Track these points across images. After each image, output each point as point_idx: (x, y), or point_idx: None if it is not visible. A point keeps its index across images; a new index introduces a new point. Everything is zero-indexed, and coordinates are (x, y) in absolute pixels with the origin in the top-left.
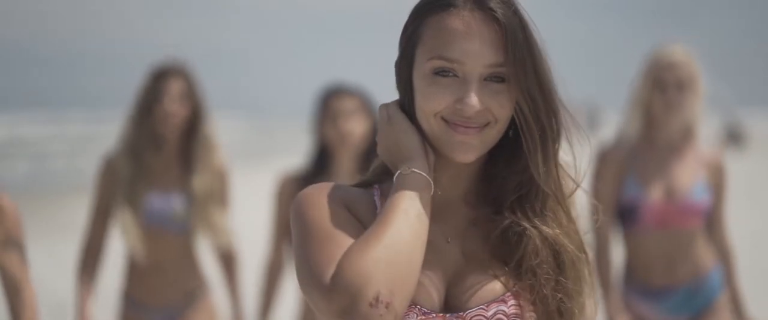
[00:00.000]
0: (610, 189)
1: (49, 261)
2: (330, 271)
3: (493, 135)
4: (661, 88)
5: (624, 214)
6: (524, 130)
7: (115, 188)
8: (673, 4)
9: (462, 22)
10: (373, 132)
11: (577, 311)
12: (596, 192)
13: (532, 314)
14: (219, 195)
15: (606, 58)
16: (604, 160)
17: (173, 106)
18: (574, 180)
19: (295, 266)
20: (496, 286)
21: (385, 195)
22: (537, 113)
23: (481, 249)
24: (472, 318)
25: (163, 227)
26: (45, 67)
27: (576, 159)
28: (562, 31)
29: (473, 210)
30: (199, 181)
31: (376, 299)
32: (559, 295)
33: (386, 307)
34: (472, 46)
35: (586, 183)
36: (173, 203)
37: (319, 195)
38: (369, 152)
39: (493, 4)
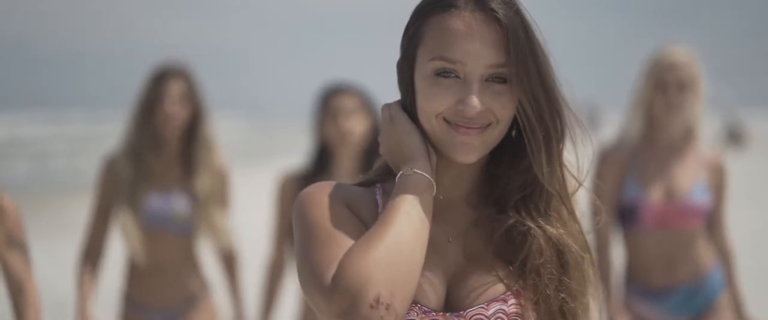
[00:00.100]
0: (610, 190)
1: (50, 261)
2: (331, 272)
3: (494, 135)
4: (663, 89)
5: (624, 215)
6: (527, 131)
7: (116, 189)
8: (674, 3)
9: (463, 22)
10: (374, 131)
11: (580, 311)
12: (597, 193)
13: (533, 314)
14: (220, 195)
15: (606, 58)
16: (605, 160)
17: (174, 108)
18: (577, 180)
19: (296, 266)
20: (496, 285)
21: (388, 195)
22: (540, 113)
23: (483, 248)
24: (472, 317)
25: (164, 227)
26: (45, 67)
27: (579, 158)
28: (563, 31)
29: (475, 211)
30: (201, 182)
31: (377, 300)
32: (562, 295)
33: (387, 308)
34: (473, 46)
35: (587, 183)
36: (174, 203)
37: (321, 194)
38: (369, 151)
39: (494, 5)
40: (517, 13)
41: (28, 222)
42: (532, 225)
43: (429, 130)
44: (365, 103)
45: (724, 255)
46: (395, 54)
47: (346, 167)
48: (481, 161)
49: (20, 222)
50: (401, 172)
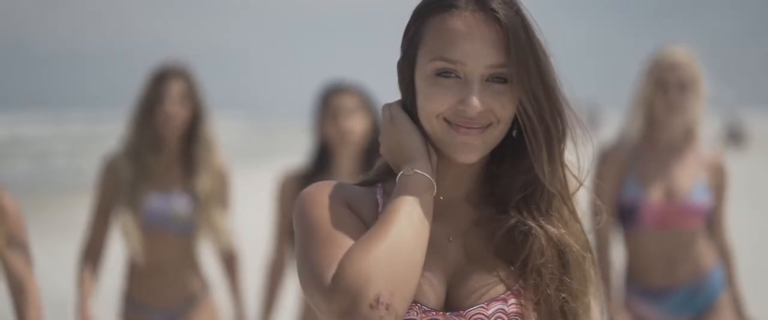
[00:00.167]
0: (610, 190)
1: (50, 261)
2: (331, 272)
3: (495, 135)
4: (663, 89)
5: (624, 214)
6: (528, 131)
7: (116, 189)
8: (674, 3)
9: (463, 22)
10: (374, 130)
11: (581, 311)
12: (597, 193)
13: (534, 313)
14: (220, 196)
15: (606, 58)
16: (605, 160)
17: (174, 108)
18: (577, 179)
19: (296, 265)
20: (497, 285)
21: (388, 194)
22: (541, 113)
23: (484, 248)
24: (472, 316)
25: (164, 227)
26: (45, 67)
27: (579, 158)
28: (563, 31)
29: (476, 210)
30: (201, 182)
31: (377, 300)
32: (563, 295)
33: (386, 308)
34: (474, 46)
35: (588, 182)
36: (174, 203)
37: (321, 193)
38: (369, 150)
39: (494, 5)
40: (518, 13)
41: (29, 221)
42: (533, 225)
43: (429, 130)
44: (365, 102)
45: (724, 256)
46: (395, 54)
47: (346, 166)
48: (482, 161)
49: (21, 221)
50: (402, 172)
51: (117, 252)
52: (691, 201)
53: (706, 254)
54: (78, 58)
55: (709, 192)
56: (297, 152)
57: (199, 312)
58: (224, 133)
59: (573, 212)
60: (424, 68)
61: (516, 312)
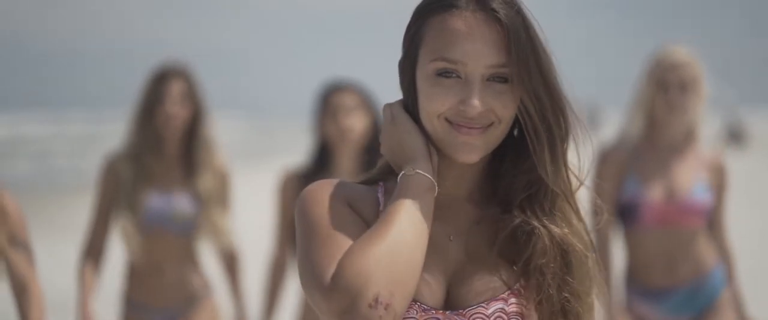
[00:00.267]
0: (610, 189)
1: (51, 261)
2: (330, 271)
3: (496, 135)
4: (664, 89)
5: (624, 213)
6: (529, 130)
7: (117, 189)
8: (674, 3)
9: (464, 22)
10: (374, 128)
11: (583, 311)
12: (598, 192)
13: (536, 313)
14: (221, 196)
15: (607, 58)
16: (605, 160)
17: (174, 108)
18: (578, 179)
19: (297, 264)
20: (497, 285)
21: (389, 193)
22: (543, 113)
23: (485, 248)
24: (472, 315)
25: (164, 227)
26: (46, 66)
27: (580, 158)
28: (563, 31)
29: (478, 210)
30: (202, 182)
31: (376, 300)
32: (565, 295)
33: (385, 308)
34: (474, 46)
35: (589, 182)
36: (174, 203)
37: (322, 192)
38: (369, 148)
39: (495, 5)
40: (518, 13)
41: (30, 221)
42: (536, 224)
43: (431, 130)
44: (365, 100)
45: (724, 256)
46: (396, 54)
47: (346, 165)
48: (484, 160)
49: (23, 221)
50: (403, 172)
51: (117, 253)
52: (691, 201)
53: (706, 253)
54: (78, 58)
55: (709, 191)
56: (297, 152)
57: (199, 312)
58: (224, 132)
59: (576, 211)
60: (425, 68)
61: (516, 312)
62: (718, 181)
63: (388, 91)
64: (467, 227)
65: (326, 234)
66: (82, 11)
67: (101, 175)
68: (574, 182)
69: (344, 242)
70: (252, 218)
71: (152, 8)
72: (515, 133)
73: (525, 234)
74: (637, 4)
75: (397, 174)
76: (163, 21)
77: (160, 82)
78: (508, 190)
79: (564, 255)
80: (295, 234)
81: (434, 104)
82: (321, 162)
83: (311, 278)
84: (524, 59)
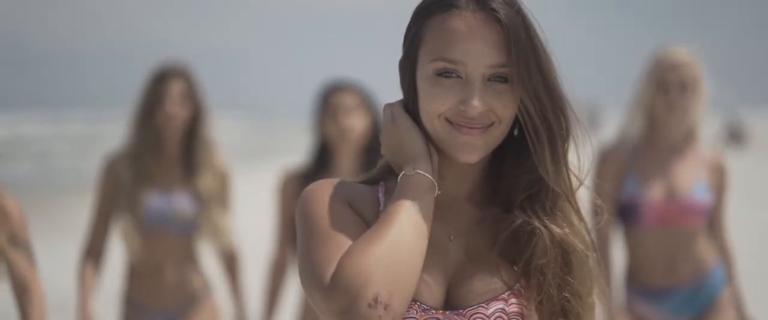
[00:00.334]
0: (610, 189)
1: (52, 261)
2: (330, 271)
3: (497, 135)
4: (664, 89)
5: (624, 213)
6: (530, 130)
7: (117, 189)
8: (674, 3)
9: (464, 23)
10: (374, 128)
11: (584, 311)
12: (597, 193)
13: (536, 314)
14: (221, 196)
15: (607, 58)
16: (605, 160)
17: (174, 108)
18: (578, 179)
19: (297, 264)
20: (497, 285)
21: (390, 193)
22: (543, 113)
23: (486, 247)
24: (472, 316)
25: (164, 227)
26: (46, 66)
27: (579, 158)
28: (563, 31)
29: (478, 210)
30: (203, 182)
31: (375, 300)
32: (566, 295)
33: (385, 308)
34: (474, 46)
35: (589, 182)
36: (175, 203)
37: (322, 192)
38: (369, 148)
39: (495, 5)
40: (518, 13)
41: (30, 222)
42: (538, 225)
43: (431, 130)
44: (365, 100)
45: (724, 257)
46: (396, 54)
47: (346, 165)
48: (484, 160)
49: (24, 222)
50: (403, 173)
51: (117, 253)
52: (691, 200)
53: (706, 253)
54: (78, 58)
55: (709, 191)
56: (297, 152)
57: (199, 313)
58: (224, 133)
59: (577, 211)
60: (425, 68)
61: (516, 312)
62: (718, 181)
63: (389, 91)
64: (467, 227)
65: (326, 234)
66: (82, 11)
67: (101, 176)
68: (575, 182)
69: (344, 242)
70: (252, 218)
71: (152, 8)
72: (515, 132)
73: (526, 235)
74: (637, 4)
75: (398, 175)
76: (163, 21)
77: (160, 82)
78: (509, 190)
79: (564, 255)
80: (296, 233)
81: (434, 104)
82: (321, 163)
83: (311, 278)
84: (524, 59)
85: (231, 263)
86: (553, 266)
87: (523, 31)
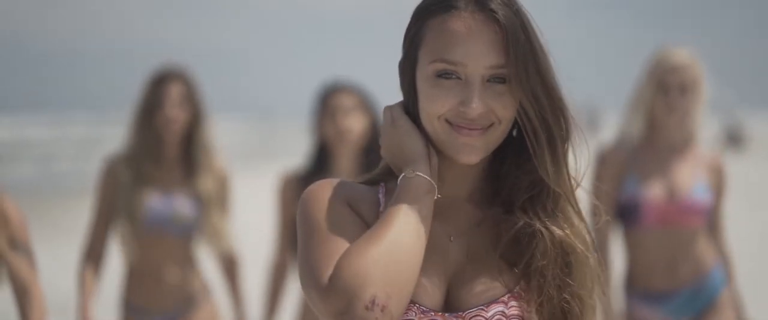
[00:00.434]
0: (609, 190)
1: (54, 264)
2: (328, 272)
3: (497, 136)
4: (664, 91)
5: (624, 214)
6: (528, 131)
7: (116, 191)
8: (674, 6)
9: (463, 24)
10: (372, 129)
11: (585, 313)
12: (596, 194)
13: (537, 316)
14: (220, 198)
15: (606, 58)
16: (604, 161)
17: (174, 111)
18: (576, 181)
19: (297, 264)
20: (497, 287)
21: (390, 194)
22: (542, 114)
23: (487, 249)
24: (471, 318)
25: (164, 229)
26: (47, 67)
27: (577, 159)
28: (563, 31)
29: (479, 210)
30: (203, 184)
31: (372, 301)
32: (567, 296)
33: (382, 310)
34: (474, 48)
35: (587, 184)
36: (175, 205)
37: (322, 192)
38: (368, 149)
39: (494, 5)
40: (517, 14)
41: (32, 224)
42: (539, 226)
43: (431, 131)
44: (364, 101)
45: (723, 260)
46: (395, 55)
47: (345, 166)
48: (484, 161)
49: (24, 225)
50: (403, 174)
51: (117, 256)
52: (692, 200)
53: (706, 254)
54: (79, 58)
55: (709, 191)
56: (297, 154)
57: (199, 314)
58: (224, 134)
59: (578, 212)
60: (424, 70)
61: (516, 315)
62: (717, 182)
63: (388, 92)
64: (468, 228)
65: (325, 235)
66: (82, 11)
67: (101, 178)
68: (573, 182)
69: (343, 243)
70: (252, 220)
71: (153, 9)
72: (514, 133)
73: (527, 236)
74: (637, 4)
75: (398, 176)
76: (163, 22)
77: (159, 84)
78: (510, 191)
79: (565, 256)
80: (296, 235)
81: (434, 105)
82: (320, 164)
83: (309, 278)
84: (522, 60)
85: (230, 266)
86: (553, 267)
87: (521, 32)
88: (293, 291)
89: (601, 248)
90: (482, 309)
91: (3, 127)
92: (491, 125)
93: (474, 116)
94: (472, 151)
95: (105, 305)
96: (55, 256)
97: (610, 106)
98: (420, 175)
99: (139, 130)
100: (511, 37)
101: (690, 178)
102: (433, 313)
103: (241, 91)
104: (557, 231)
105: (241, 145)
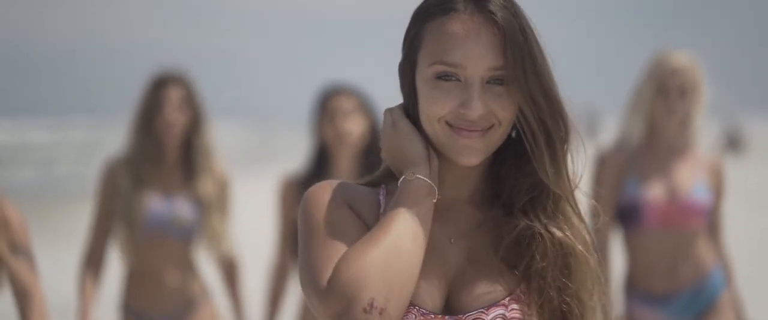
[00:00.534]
0: (609, 193)
1: (54, 268)
2: (327, 274)
3: (497, 137)
4: (664, 94)
5: (625, 215)
6: (526, 132)
7: (117, 194)
8: (674, 7)
9: (462, 26)
10: (372, 131)
11: (585, 314)
12: (596, 196)
13: (538, 318)
14: (220, 202)
15: (606, 58)
16: (603, 163)
17: (173, 114)
18: (574, 184)
19: (298, 266)
20: (497, 289)
21: (391, 196)
22: (540, 116)
23: (487, 251)
24: None
25: (164, 232)
26: (46, 72)
27: (574, 162)
28: (562, 31)
29: (479, 212)
30: (203, 187)
31: (371, 304)
32: (567, 298)
33: (380, 313)
34: (473, 49)
35: (587, 186)
36: (175, 207)
37: (323, 194)
38: (367, 151)
39: (492, 7)
40: (516, 15)
41: (33, 228)
42: (539, 228)
43: (431, 133)
44: (363, 103)
45: (722, 262)
46: (394, 59)
47: (345, 168)
48: (485, 163)
49: (24, 229)
50: (403, 177)
51: (117, 259)
52: (692, 200)
53: (706, 255)
54: (79, 62)
55: (709, 192)
56: (297, 157)
57: (198, 317)
58: (224, 138)
59: (578, 213)
60: (424, 72)
61: (517, 318)
62: (717, 184)
63: (388, 96)
64: (468, 229)
65: (325, 237)
66: (82, 14)
67: (100, 181)
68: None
69: (342, 245)
70: (252, 223)
71: (152, 12)
72: (513, 134)
73: (527, 238)
74: (637, 4)
75: (398, 179)
76: (163, 25)
77: (158, 88)
78: (510, 193)
79: (565, 258)
80: (296, 238)
81: (434, 108)
82: (319, 166)
83: (309, 280)
84: (520, 61)
85: (230, 270)
86: (552, 269)
87: (520, 34)
88: (294, 294)
89: (601, 250)
90: (483, 311)
91: (3, 130)
92: (491, 127)
93: (474, 118)
94: (472, 153)
95: (105, 308)
96: (56, 260)
97: (609, 108)
98: (420, 178)
99: (139, 134)
100: (509, 38)
101: (690, 179)
102: (433, 316)
103: (240, 96)
104: (557, 233)
105: (240, 148)
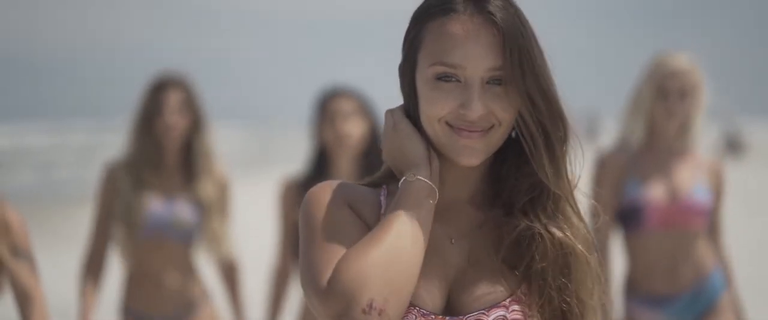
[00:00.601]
0: (609, 195)
1: (55, 271)
2: (327, 274)
3: (497, 138)
4: (664, 96)
5: (626, 217)
6: (524, 133)
7: (117, 198)
8: (674, 9)
9: (462, 26)
10: (372, 133)
11: (585, 314)
12: (596, 198)
13: (538, 318)
14: (220, 205)
15: (606, 58)
16: (603, 165)
17: (173, 118)
18: (573, 184)
19: (299, 266)
20: (498, 290)
21: (392, 196)
22: (539, 117)
23: (487, 251)
24: None
25: (164, 234)
26: (46, 75)
27: (572, 163)
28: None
29: (480, 212)
30: (203, 189)
31: (370, 305)
32: (568, 298)
33: (379, 314)
34: (473, 50)
35: (586, 188)
36: (175, 210)
37: (324, 194)
38: (367, 153)
39: (492, 8)
40: (515, 16)
41: (33, 232)
42: (540, 228)
43: (432, 134)
44: (363, 105)
45: (722, 263)
46: (394, 61)
47: (345, 170)
48: (485, 163)
49: (25, 232)
50: (404, 178)
51: (118, 262)
52: (692, 200)
53: (706, 256)
54: (78, 66)
55: (709, 192)
56: (297, 160)
57: (199, 319)
58: (224, 141)
59: (578, 213)
60: (424, 72)
61: (517, 319)
62: (717, 185)
63: (388, 98)
64: (469, 230)
65: (325, 238)
66: (82, 18)
67: (101, 184)
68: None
69: (342, 246)
70: (252, 226)
71: (152, 16)
72: (513, 135)
73: (527, 239)
74: (637, 4)
75: (399, 180)
76: (162, 28)
77: (158, 91)
78: (510, 193)
79: (565, 258)
80: (297, 241)
81: (434, 108)
82: (320, 169)
83: (309, 281)
84: (519, 62)
85: (230, 273)
86: (553, 269)
87: (519, 35)
88: (294, 297)
89: (601, 250)
90: (483, 313)
91: (2, 134)
92: (491, 127)
93: (474, 118)
94: (472, 154)
95: (105, 310)
96: (56, 263)
97: (608, 109)
98: (421, 179)
99: (139, 137)
100: (508, 39)
101: (690, 180)
102: (433, 317)
103: (240, 99)
104: (557, 233)
105: (240, 151)
